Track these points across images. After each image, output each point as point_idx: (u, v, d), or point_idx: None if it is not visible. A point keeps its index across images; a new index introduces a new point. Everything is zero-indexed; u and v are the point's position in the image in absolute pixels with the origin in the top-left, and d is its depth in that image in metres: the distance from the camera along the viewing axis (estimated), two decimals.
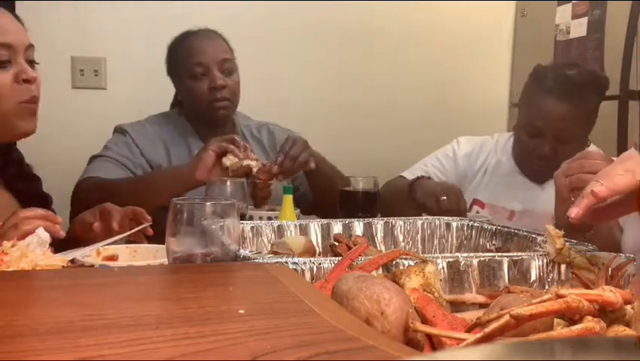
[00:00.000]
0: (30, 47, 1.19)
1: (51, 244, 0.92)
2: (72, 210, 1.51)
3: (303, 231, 1.07)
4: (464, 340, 0.50)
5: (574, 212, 0.74)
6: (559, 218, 1.08)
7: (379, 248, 1.08)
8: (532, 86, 1.62)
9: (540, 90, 1.57)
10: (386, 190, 1.63)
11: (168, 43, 1.78)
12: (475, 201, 1.69)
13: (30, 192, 1.32)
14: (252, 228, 1.04)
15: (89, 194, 1.50)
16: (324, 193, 1.61)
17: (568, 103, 1.52)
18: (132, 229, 1.15)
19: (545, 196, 1.48)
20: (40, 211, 1.02)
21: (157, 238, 1.09)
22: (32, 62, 1.20)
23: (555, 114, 1.53)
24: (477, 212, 1.66)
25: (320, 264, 0.74)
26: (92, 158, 1.69)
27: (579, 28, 2.33)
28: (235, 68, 1.74)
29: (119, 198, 1.26)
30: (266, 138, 1.84)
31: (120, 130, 1.75)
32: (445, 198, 1.42)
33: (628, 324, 0.55)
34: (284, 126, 1.89)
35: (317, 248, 1.04)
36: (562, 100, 1.52)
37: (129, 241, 1.14)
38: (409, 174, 1.69)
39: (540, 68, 1.64)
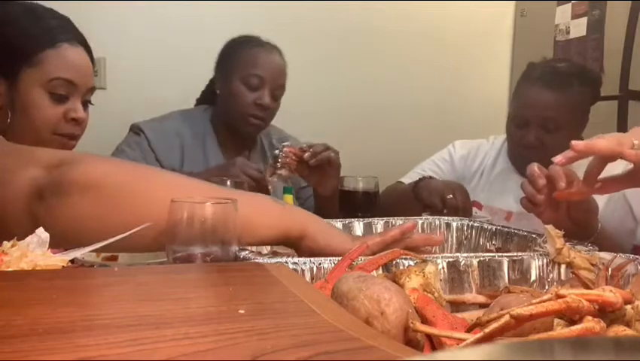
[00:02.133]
0: (91, 89, 1.22)
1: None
2: None
3: None
4: (464, 340, 0.50)
5: (558, 159, 0.88)
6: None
7: None
8: (521, 80, 1.64)
9: (528, 82, 1.60)
10: (387, 196, 1.63)
11: (231, 38, 1.78)
12: (473, 203, 1.69)
13: None
14: None
15: None
16: (327, 205, 1.60)
17: (552, 91, 1.53)
18: None
19: None
20: None
21: None
22: (86, 103, 1.22)
23: (539, 102, 1.55)
24: (475, 213, 1.66)
25: (320, 264, 0.74)
26: None
27: (578, 29, 2.34)
28: (282, 95, 1.75)
29: None
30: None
31: (136, 129, 1.73)
32: (451, 196, 1.42)
33: (628, 324, 0.55)
34: (280, 127, 1.90)
35: None
36: (547, 88, 1.54)
37: None
38: (407, 180, 1.69)
39: (532, 64, 1.66)
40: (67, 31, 1.24)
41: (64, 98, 1.18)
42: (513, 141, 1.64)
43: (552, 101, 1.54)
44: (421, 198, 1.48)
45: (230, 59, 1.76)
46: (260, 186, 1.51)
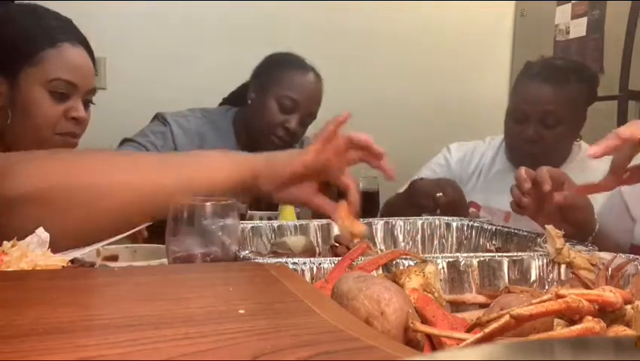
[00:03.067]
0: (92, 90, 1.23)
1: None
2: None
3: (303, 231, 1.07)
4: (464, 340, 0.50)
5: (593, 150, 0.82)
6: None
7: (379, 248, 1.08)
8: (520, 76, 1.65)
9: (526, 77, 1.61)
10: (387, 208, 1.62)
11: (276, 52, 1.79)
12: (471, 204, 1.69)
13: None
14: (252, 228, 1.04)
15: None
16: None
17: (551, 86, 1.55)
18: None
19: None
20: None
21: (158, 237, 1.09)
22: (87, 103, 1.22)
23: (538, 96, 1.56)
24: (471, 212, 1.66)
25: (320, 264, 0.74)
26: (124, 140, 1.68)
27: (578, 28, 2.34)
28: (311, 123, 1.76)
29: None
30: None
31: (161, 118, 1.73)
32: (441, 194, 1.42)
33: (628, 324, 0.55)
34: None
35: (317, 248, 1.04)
36: (546, 82, 1.55)
37: (123, 241, 1.15)
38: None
39: (529, 63, 1.67)
40: (68, 32, 1.24)
41: (65, 97, 1.19)
42: (511, 136, 1.64)
43: (551, 95, 1.55)
44: (412, 203, 1.47)
45: (270, 74, 1.75)
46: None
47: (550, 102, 1.55)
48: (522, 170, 1.07)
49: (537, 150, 1.56)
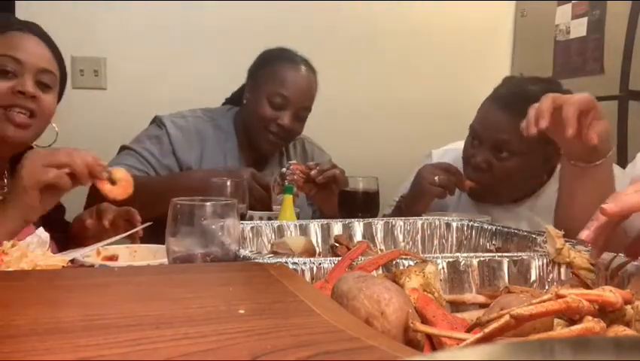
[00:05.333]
0: (44, 71, 1.25)
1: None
2: (87, 204, 1.50)
3: (303, 231, 1.07)
4: (464, 340, 0.50)
5: (585, 234, 0.71)
6: None
7: (379, 248, 1.08)
8: (490, 95, 1.52)
9: (490, 98, 1.49)
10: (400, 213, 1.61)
11: (267, 49, 1.76)
12: None
13: None
14: (252, 228, 1.04)
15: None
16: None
17: (509, 113, 1.37)
18: (127, 229, 1.16)
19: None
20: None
21: (158, 238, 1.10)
22: (42, 85, 1.23)
23: (494, 121, 1.43)
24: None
25: (320, 264, 0.74)
26: (122, 148, 1.67)
27: (579, 29, 2.34)
28: (307, 116, 1.73)
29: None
30: (300, 153, 1.85)
31: (158, 122, 1.72)
32: (437, 177, 1.43)
33: (628, 324, 0.55)
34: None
35: (317, 248, 1.04)
36: (505, 109, 1.40)
37: (123, 241, 1.15)
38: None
39: (507, 78, 1.58)
40: (24, 26, 1.27)
41: (10, 74, 1.21)
42: (464, 157, 1.53)
43: (506, 124, 1.38)
44: (420, 194, 1.46)
45: (261, 72, 1.74)
46: (264, 197, 1.51)
47: (505, 131, 1.39)
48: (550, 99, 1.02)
49: (484, 179, 1.45)
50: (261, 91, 1.68)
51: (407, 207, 1.53)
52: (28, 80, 1.21)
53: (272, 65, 1.72)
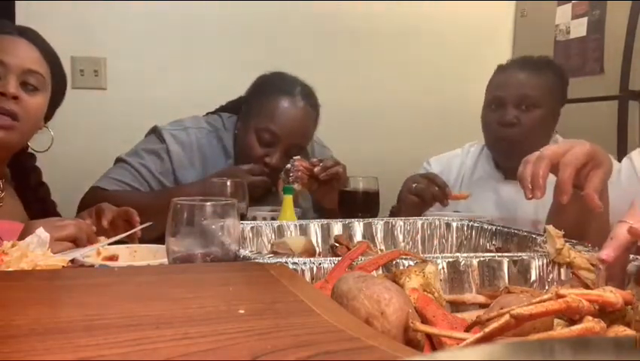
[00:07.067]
0: (29, 72, 1.24)
1: None
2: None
3: (303, 231, 1.07)
4: (464, 340, 0.50)
5: (605, 254, 0.69)
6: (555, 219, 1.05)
7: (379, 248, 1.08)
8: (495, 73, 1.70)
9: (501, 69, 1.68)
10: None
11: (266, 73, 1.65)
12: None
13: (36, 197, 1.38)
14: (252, 228, 1.04)
15: (92, 205, 1.38)
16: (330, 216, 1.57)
17: (526, 72, 1.62)
18: (126, 229, 1.16)
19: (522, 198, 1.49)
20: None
21: (157, 238, 1.09)
22: (27, 86, 1.23)
23: (514, 81, 1.62)
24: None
25: (320, 264, 0.74)
26: (118, 160, 1.60)
27: (579, 29, 2.34)
28: (300, 152, 1.58)
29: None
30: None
31: (158, 135, 1.62)
32: (415, 184, 1.46)
33: (628, 324, 0.55)
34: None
35: (317, 248, 1.04)
36: (521, 70, 1.63)
37: (124, 241, 1.15)
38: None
39: (501, 65, 1.74)
40: (14, 30, 1.27)
41: None
42: (489, 124, 1.65)
43: (526, 80, 1.61)
44: (406, 204, 1.47)
45: (253, 101, 1.62)
46: (262, 189, 1.50)
47: (526, 86, 1.60)
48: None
49: (516, 133, 1.59)
50: (250, 124, 1.58)
51: (393, 214, 1.55)
52: (11, 80, 1.21)
53: (266, 94, 1.60)
